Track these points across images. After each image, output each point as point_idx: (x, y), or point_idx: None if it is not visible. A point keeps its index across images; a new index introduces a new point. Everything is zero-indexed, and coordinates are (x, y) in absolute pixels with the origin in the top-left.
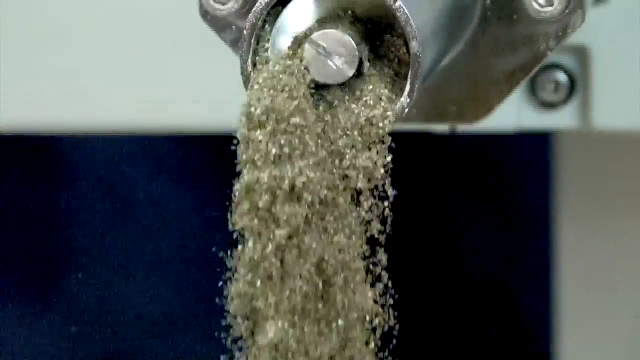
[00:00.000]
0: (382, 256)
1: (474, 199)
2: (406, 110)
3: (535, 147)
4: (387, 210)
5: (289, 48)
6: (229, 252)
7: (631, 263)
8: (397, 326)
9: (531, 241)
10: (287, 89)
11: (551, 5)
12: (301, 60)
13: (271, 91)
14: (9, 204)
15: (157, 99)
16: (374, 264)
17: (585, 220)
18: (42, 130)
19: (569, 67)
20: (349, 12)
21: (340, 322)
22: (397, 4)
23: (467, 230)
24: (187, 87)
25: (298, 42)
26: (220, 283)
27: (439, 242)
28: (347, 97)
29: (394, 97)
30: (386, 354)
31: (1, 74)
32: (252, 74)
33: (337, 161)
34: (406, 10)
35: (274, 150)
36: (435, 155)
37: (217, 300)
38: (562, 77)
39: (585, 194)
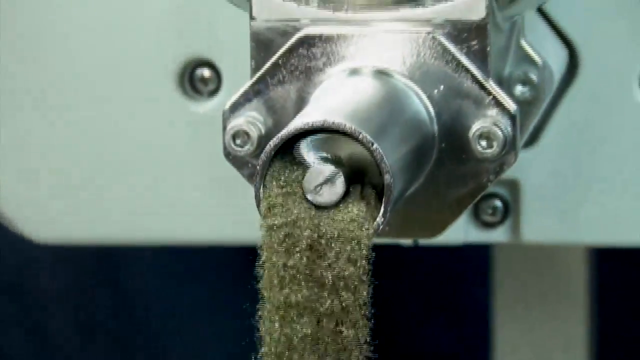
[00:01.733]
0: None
1: (430, 297)
2: (381, 227)
3: (477, 257)
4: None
5: (292, 179)
6: None
7: (557, 354)
8: None
9: (473, 335)
10: (290, 210)
11: (491, 148)
12: (301, 187)
13: (278, 212)
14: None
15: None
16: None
17: (519, 315)
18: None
19: (504, 195)
20: (338, 151)
21: None
22: (374, 146)
23: (422, 321)
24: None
25: (299, 174)
26: None
27: (398, 331)
28: (335, 217)
29: (371, 217)
30: None
31: (35, 192)
32: (262, 200)
33: (324, 273)
34: (381, 152)
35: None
36: (401, 262)
37: None
38: (498, 203)
39: (518, 295)
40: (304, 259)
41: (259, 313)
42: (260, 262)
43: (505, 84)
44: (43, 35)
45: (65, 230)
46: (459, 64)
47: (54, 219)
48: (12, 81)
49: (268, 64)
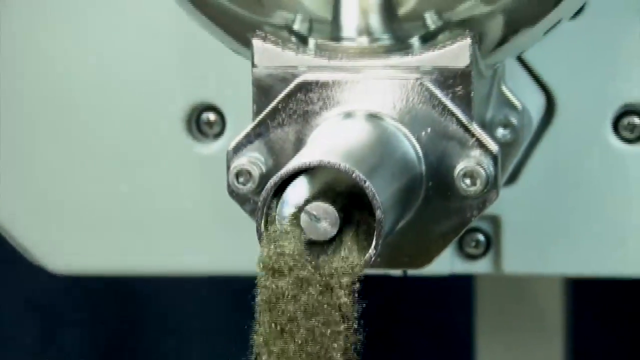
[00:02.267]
0: None
1: (416, 323)
2: (372, 259)
3: (462, 286)
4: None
5: (290, 215)
6: None
7: None
8: None
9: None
10: (289, 244)
11: (475, 186)
12: (298, 223)
13: (278, 245)
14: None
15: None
16: None
17: (500, 340)
18: (111, 273)
19: (486, 230)
20: (333, 189)
21: None
22: (366, 184)
23: (409, 345)
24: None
25: (297, 210)
26: None
27: (385, 355)
28: (329, 250)
29: (364, 250)
30: None
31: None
32: (263, 234)
33: (321, 298)
34: (373, 189)
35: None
36: (392, 291)
37: None
38: (481, 237)
39: (499, 321)
40: (300, 290)
41: (253, 336)
42: (258, 291)
43: (488, 127)
44: (63, 80)
45: (80, 261)
46: (445, 108)
47: (70, 251)
48: (35, 121)
49: (268, 108)
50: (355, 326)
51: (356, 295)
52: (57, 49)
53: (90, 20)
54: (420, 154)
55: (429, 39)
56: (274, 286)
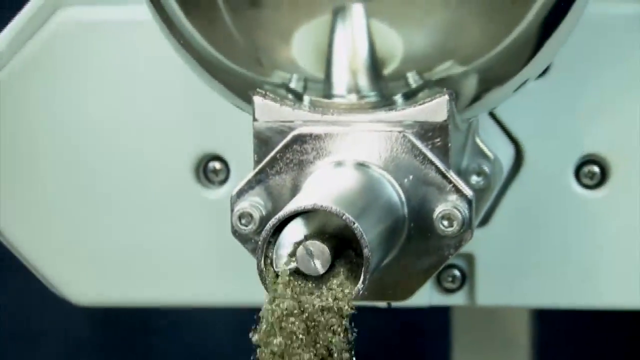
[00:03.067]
0: None
1: (400, 351)
2: (360, 292)
3: (440, 316)
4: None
5: (288, 255)
6: None
7: None
8: None
9: None
10: (287, 278)
11: (452, 227)
12: (296, 260)
13: (275, 280)
14: None
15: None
16: None
17: None
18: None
19: (462, 266)
20: (326, 230)
21: None
22: (355, 225)
23: None
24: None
25: (293, 249)
26: None
27: None
28: (322, 285)
29: (353, 284)
30: None
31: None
32: (263, 270)
33: (314, 332)
34: (361, 230)
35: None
36: (377, 321)
37: None
38: (457, 272)
39: (473, 347)
40: (296, 321)
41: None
42: (260, 321)
43: (463, 174)
44: (87, 133)
45: (100, 294)
46: (425, 157)
47: (91, 285)
48: (60, 170)
49: (268, 158)
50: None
51: (347, 328)
52: (80, 106)
53: (109, 79)
54: (403, 199)
55: (410, 96)
56: (270, 317)
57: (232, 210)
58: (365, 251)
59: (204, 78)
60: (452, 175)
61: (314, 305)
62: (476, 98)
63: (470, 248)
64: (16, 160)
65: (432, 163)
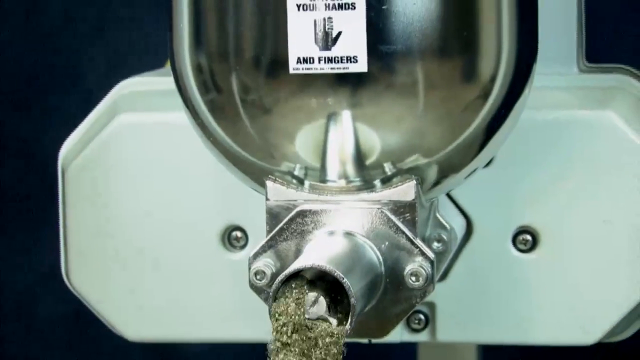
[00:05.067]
0: None
1: None
2: (348, 332)
3: (408, 351)
4: None
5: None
6: None
7: None
8: None
9: None
10: (292, 320)
11: (418, 282)
12: (299, 305)
13: (283, 321)
14: None
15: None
16: None
17: None
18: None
19: (425, 311)
20: (323, 283)
21: None
22: (344, 280)
23: None
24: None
25: (298, 298)
26: None
27: None
28: (319, 326)
29: (342, 325)
30: None
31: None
32: (273, 314)
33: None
34: (348, 284)
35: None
36: (360, 353)
37: None
38: (422, 316)
39: None
40: (299, 354)
41: None
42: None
43: (427, 241)
44: (135, 210)
45: (149, 332)
46: (397, 228)
47: (142, 324)
48: (115, 241)
49: (277, 228)
50: None
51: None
52: (133, 189)
53: (155, 169)
54: (381, 260)
55: (386, 181)
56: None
57: (249, 269)
58: (352, 300)
59: (229, 167)
60: (418, 242)
61: (313, 337)
62: (436, 183)
63: (432, 298)
64: (82, 231)
65: (403, 232)
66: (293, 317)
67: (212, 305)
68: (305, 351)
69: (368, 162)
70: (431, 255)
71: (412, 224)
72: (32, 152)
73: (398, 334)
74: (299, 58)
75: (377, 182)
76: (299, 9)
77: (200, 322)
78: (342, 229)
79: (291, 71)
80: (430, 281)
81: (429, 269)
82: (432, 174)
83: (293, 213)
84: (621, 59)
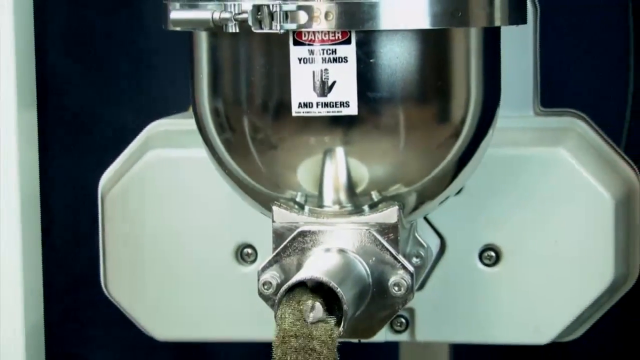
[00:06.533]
0: None
1: None
2: (341, 333)
3: (391, 349)
4: None
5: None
6: None
7: None
8: None
9: None
10: (294, 323)
11: (400, 291)
12: (300, 311)
13: (286, 324)
14: None
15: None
16: None
17: None
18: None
19: (406, 315)
20: (319, 291)
21: None
22: (338, 289)
23: None
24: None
25: (298, 304)
26: None
27: None
28: (318, 328)
29: (336, 327)
30: None
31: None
32: (278, 318)
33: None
34: (342, 292)
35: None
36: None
37: None
38: (403, 320)
39: None
40: (299, 352)
41: None
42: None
43: (407, 257)
44: (164, 230)
45: (175, 332)
46: (383, 246)
47: (169, 326)
48: (146, 254)
49: (281, 246)
50: None
51: (335, 353)
52: (161, 213)
53: (181, 196)
54: (369, 272)
55: (373, 206)
56: (280, 347)
57: (258, 280)
58: (345, 307)
59: (241, 195)
60: (400, 257)
61: (313, 339)
62: (415, 208)
63: (412, 304)
64: (118, 248)
65: (387, 250)
66: (295, 322)
67: (226, 310)
68: (304, 348)
69: (358, 190)
70: (411, 268)
71: (395, 242)
72: (79, 184)
73: (383, 335)
74: (300, 103)
75: (366, 207)
76: (300, 62)
77: (217, 324)
78: (336, 247)
79: (294, 114)
80: (410, 290)
81: (409, 280)
82: (411, 200)
83: (295, 233)
84: (571, 103)
